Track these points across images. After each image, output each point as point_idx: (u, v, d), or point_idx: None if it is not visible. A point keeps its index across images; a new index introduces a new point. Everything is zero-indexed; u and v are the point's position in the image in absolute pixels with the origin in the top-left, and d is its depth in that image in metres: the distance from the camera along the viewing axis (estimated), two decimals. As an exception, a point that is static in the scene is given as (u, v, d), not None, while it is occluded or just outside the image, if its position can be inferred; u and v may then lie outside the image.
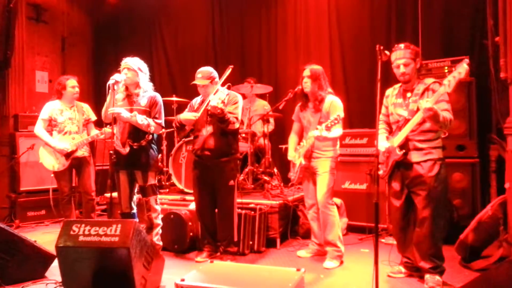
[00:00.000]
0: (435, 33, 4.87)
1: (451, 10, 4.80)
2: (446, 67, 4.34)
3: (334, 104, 3.50)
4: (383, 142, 3.09)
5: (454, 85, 2.63)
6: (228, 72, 3.68)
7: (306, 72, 3.58)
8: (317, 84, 3.53)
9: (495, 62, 3.91)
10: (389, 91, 3.22)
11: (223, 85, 3.74)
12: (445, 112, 2.83)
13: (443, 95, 2.81)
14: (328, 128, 3.24)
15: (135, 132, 3.53)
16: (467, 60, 2.61)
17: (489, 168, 4.17)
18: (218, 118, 3.46)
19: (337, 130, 3.41)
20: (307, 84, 3.56)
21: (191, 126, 3.65)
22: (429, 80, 2.99)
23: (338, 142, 3.66)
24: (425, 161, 2.94)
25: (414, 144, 2.97)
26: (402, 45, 3.01)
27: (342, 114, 3.30)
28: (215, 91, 3.62)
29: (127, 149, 3.50)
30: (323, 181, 3.52)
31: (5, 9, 5.42)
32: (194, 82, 3.65)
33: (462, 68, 2.59)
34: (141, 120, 3.46)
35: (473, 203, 4.07)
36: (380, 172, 3.11)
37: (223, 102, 3.47)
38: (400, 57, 2.97)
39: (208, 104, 3.47)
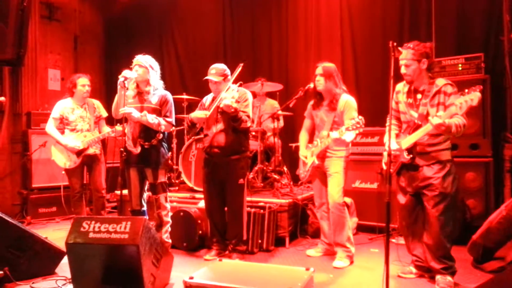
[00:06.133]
0: (449, 29, 4.78)
1: (466, 6, 4.70)
2: (460, 65, 4.27)
3: (348, 104, 3.46)
4: (393, 142, 3.04)
5: (466, 109, 2.59)
6: (239, 69, 3.66)
7: (319, 70, 3.54)
8: (332, 81, 3.49)
9: (511, 59, 3.83)
10: (399, 87, 3.16)
11: (234, 82, 3.72)
12: (457, 117, 2.75)
13: (455, 95, 2.76)
14: (349, 130, 3.20)
15: (146, 132, 3.53)
16: (480, 87, 2.57)
17: (503, 168, 4.08)
18: (231, 117, 3.45)
19: (351, 133, 3.35)
20: (319, 82, 3.53)
21: (202, 124, 3.65)
22: (440, 82, 2.93)
23: (350, 142, 3.62)
24: (434, 163, 2.90)
25: (423, 148, 2.93)
26: (409, 45, 2.98)
27: (356, 114, 3.25)
28: (227, 89, 3.61)
29: (139, 149, 3.50)
30: (334, 181, 3.49)
31: (18, 8, 5.46)
32: (207, 77, 3.63)
33: (475, 96, 2.54)
34: (152, 119, 3.46)
35: (487, 203, 4.00)
36: (385, 168, 3.06)
37: (237, 101, 3.46)
38: (403, 57, 2.96)
39: (220, 101, 3.46)
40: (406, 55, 2.94)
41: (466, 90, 2.58)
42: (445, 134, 2.83)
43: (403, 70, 2.98)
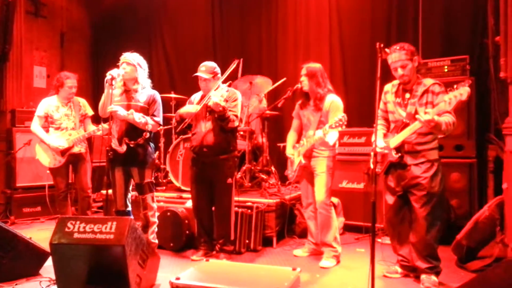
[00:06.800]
0: (435, 31, 4.84)
1: (452, 8, 4.77)
2: (446, 67, 4.33)
3: (334, 104, 3.48)
4: (380, 141, 3.07)
5: (455, 104, 2.62)
6: (233, 66, 3.65)
7: (303, 71, 3.59)
8: (314, 82, 3.52)
9: (495, 62, 3.89)
10: (387, 87, 3.19)
11: (227, 79, 3.71)
12: (447, 116, 2.80)
13: (443, 94, 2.79)
14: (332, 128, 3.22)
15: (132, 130, 3.49)
16: (469, 81, 2.60)
17: (487, 169, 4.15)
18: (219, 116, 3.44)
19: (334, 134, 3.39)
20: (304, 83, 3.57)
21: (191, 118, 3.62)
22: (428, 81, 2.97)
23: (337, 142, 3.65)
24: (422, 162, 2.93)
25: (411, 147, 2.96)
26: (397, 47, 2.98)
27: (342, 114, 3.27)
28: (216, 87, 3.60)
29: (124, 148, 3.46)
30: (321, 181, 3.50)
31: (4, 3, 5.39)
32: (197, 74, 3.62)
33: (464, 90, 2.57)
34: (139, 118, 3.43)
35: (470, 204, 4.06)
36: (377, 170, 3.09)
37: (225, 100, 3.45)
38: (396, 60, 2.95)
39: (208, 99, 3.45)
40: (400, 56, 2.94)
41: (455, 86, 2.62)
42: (435, 132, 2.86)
43: (400, 71, 2.96)
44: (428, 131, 2.86)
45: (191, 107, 3.63)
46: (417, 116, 2.78)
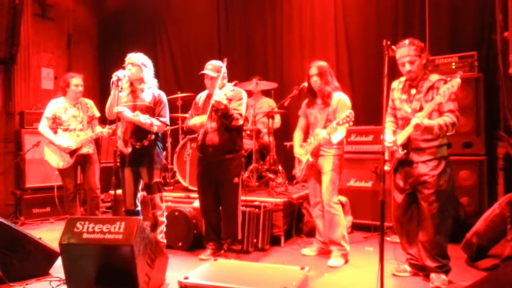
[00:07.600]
0: (442, 28, 4.80)
1: (459, 5, 4.72)
2: (453, 63, 4.29)
3: (342, 102, 3.46)
4: (389, 137, 3.05)
5: (448, 96, 2.65)
6: (223, 64, 3.66)
7: (313, 70, 3.54)
8: (324, 80, 3.50)
9: (504, 58, 3.85)
10: (394, 84, 3.17)
11: (233, 79, 3.72)
12: (447, 116, 2.79)
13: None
14: (340, 125, 3.21)
15: (138, 132, 3.50)
16: (461, 73, 2.64)
17: (497, 166, 4.11)
18: (222, 114, 3.45)
19: (340, 133, 3.38)
20: (317, 83, 3.53)
21: (200, 129, 3.62)
22: (434, 77, 2.94)
23: (344, 140, 3.63)
24: (429, 160, 2.91)
25: (418, 144, 2.93)
26: (406, 41, 2.95)
27: (349, 110, 3.25)
28: (221, 86, 3.60)
29: (129, 149, 3.48)
30: (328, 179, 3.49)
31: (11, 6, 5.43)
32: (203, 72, 3.62)
33: (455, 82, 2.60)
34: (144, 119, 3.44)
35: (480, 201, 4.02)
36: (386, 168, 3.07)
37: (228, 98, 3.45)
38: (405, 54, 2.92)
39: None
40: (409, 52, 2.91)
41: (449, 78, 2.63)
42: (428, 135, 2.83)
43: (407, 67, 2.93)
44: (422, 134, 2.84)
45: (197, 119, 3.63)
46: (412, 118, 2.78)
